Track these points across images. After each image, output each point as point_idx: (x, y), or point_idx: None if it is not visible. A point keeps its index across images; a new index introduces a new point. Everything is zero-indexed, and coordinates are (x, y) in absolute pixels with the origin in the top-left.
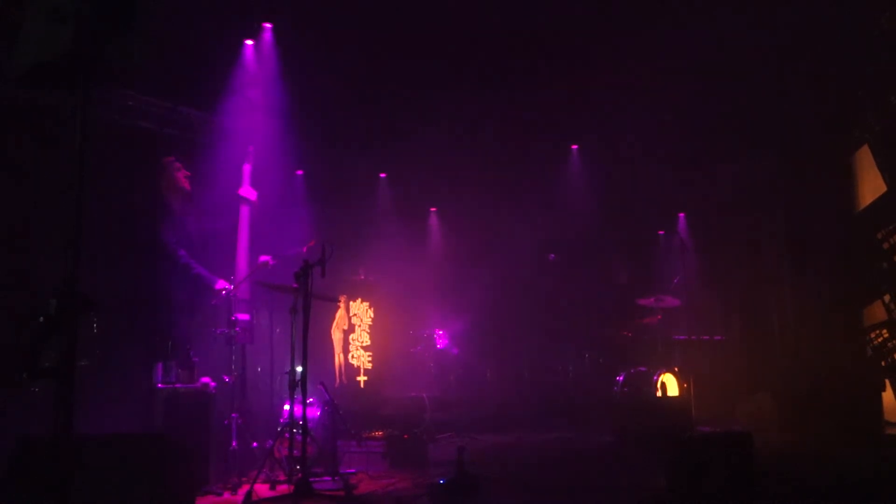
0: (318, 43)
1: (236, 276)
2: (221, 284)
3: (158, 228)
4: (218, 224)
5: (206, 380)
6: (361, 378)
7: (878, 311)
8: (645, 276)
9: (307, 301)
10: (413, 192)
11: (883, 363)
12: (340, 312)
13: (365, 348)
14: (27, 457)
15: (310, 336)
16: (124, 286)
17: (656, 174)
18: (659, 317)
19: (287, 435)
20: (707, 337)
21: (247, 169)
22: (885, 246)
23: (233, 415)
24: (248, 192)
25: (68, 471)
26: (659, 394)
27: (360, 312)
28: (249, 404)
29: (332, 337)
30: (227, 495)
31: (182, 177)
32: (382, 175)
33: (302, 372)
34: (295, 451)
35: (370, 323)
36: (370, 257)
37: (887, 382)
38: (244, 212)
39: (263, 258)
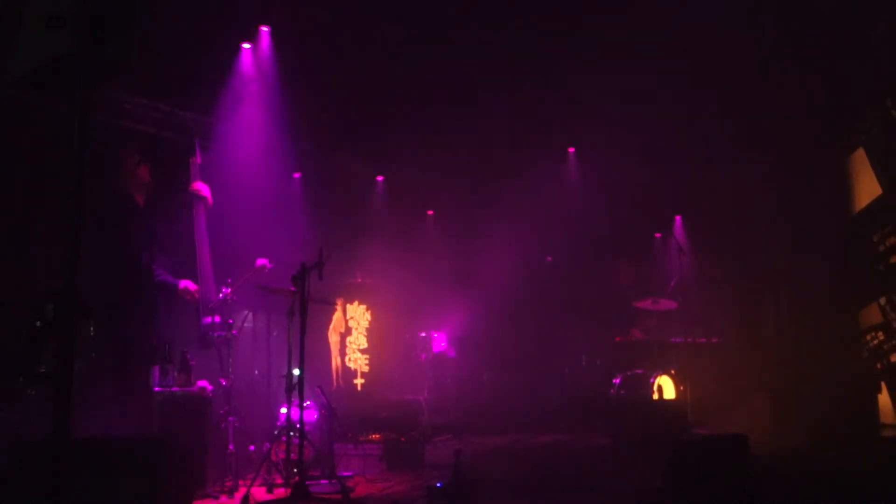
0: (316, 46)
1: (201, 278)
2: (185, 284)
3: (124, 237)
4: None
5: (203, 383)
6: (358, 381)
7: (873, 314)
8: (641, 278)
9: (304, 304)
10: (410, 195)
11: (879, 365)
12: (337, 315)
13: (362, 351)
14: (23, 460)
15: (307, 339)
16: (121, 289)
17: (653, 177)
18: (655, 319)
19: (284, 438)
20: (703, 339)
21: (194, 164)
22: (881, 248)
23: (230, 418)
24: (199, 187)
25: (65, 474)
26: (655, 396)
27: (357, 315)
28: (246, 408)
29: (329, 340)
30: (223, 499)
31: (141, 170)
32: (379, 178)
33: (299, 375)
34: (292, 455)
35: (367, 326)
36: (367, 260)
37: (883, 385)
38: (199, 211)
39: (261, 261)
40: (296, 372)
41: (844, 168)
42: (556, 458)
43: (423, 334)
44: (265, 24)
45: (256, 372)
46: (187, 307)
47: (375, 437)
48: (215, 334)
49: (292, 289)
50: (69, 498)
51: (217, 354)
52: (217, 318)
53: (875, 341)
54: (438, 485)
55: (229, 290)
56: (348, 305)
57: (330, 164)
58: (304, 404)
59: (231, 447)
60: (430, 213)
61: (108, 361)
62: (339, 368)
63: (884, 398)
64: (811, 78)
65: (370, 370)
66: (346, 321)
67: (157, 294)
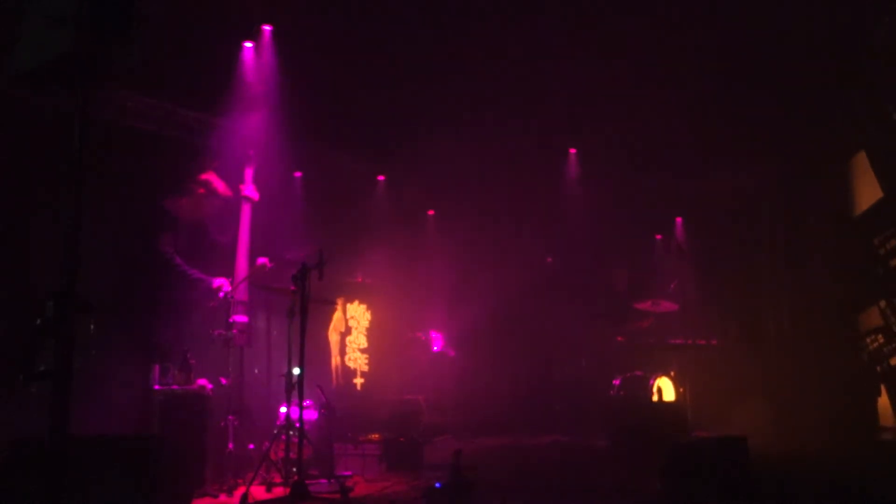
0: (318, 45)
1: (235, 275)
2: (219, 282)
3: (157, 238)
4: (220, 226)
5: (202, 382)
6: (358, 380)
7: (873, 317)
8: (642, 280)
9: (304, 303)
10: (411, 195)
11: (878, 368)
12: (337, 315)
13: (362, 351)
14: (21, 458)
15: (307, 338)
16: (122, 287)
17: (654, 178)
18: (651, 320)
19: (283, 437)
20: (703, 341)
21: (249, 172)
22: (882, 251)
23: (229, 417)
24: (251, 191)
25: (63, 472)
26: (655, 398)
27: (358, 315)
28: (246, 406)
29: (329, 339)
30: (222, 497)
31: (219, 208)
32: (381, 178)
33: (299, 374)
34: (291, 454)
35: (367, 325)
36: (368, 260)
37: (883, 388)
38: (246, 210)
39: (261, 260)
40: (296, 371)
41: (845, 171)
42: (555, 459)
43: (423, 334)
44: (267, 22)
45: (256, 371)
46: (201, 308)
47: (375, 436)
48: (215, 333)
49: (292, 288)
50: (67, 496)
51: (233, 353)
52: (246, 318)
53: (875, 344)
54: (437, 485)
55: (230, 285)
56: (348, 305)
57: (331, 164)
58: (304, 403)
59: (230, 446)
60: (431, 213)
61: (108, 359)
62: (339, 368)
63: (883, 401)
64: (812, 81)
65: (370, 370)
66: (347, 320)
67: (187, 289)
